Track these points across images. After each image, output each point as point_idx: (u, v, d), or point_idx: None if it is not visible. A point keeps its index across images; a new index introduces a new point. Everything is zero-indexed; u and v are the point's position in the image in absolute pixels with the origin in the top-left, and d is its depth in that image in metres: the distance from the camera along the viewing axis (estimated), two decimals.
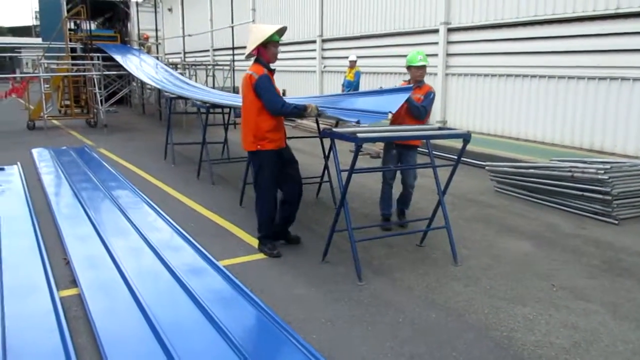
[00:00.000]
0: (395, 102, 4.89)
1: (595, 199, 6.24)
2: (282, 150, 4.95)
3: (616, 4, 8.68)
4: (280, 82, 19.36)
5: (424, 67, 5.63)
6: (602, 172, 6.10)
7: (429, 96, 5.58)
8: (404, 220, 5.95)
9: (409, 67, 5.65)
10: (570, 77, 9.56)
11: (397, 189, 6.00)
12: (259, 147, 4.78)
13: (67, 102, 15.99)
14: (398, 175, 5.94)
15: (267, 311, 3.70)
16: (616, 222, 6.06)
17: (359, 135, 4.14)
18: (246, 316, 3.72)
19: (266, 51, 4.77)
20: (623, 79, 8.74)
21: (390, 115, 5.06)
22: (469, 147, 5.03)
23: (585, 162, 6.56)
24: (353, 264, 4.45)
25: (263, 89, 4.63)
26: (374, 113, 4.69)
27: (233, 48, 17.65)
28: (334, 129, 4.65)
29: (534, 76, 10.29)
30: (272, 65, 4.87)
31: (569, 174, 6.44)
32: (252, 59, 4.89)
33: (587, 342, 3.49)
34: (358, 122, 4.48)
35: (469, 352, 3.35)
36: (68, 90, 15.78)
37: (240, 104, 5.06)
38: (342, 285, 4.30)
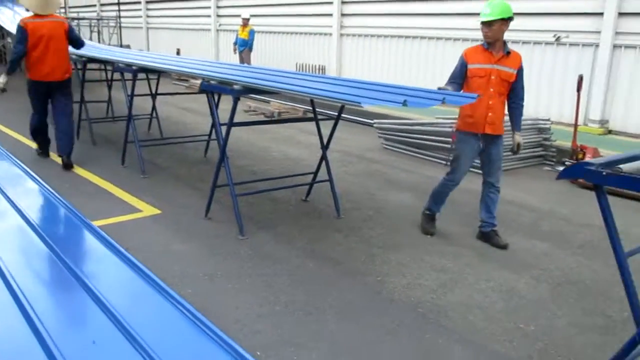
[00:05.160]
0: (456, 102, 4.24)
1: None
2: None
3: None
4: (174, 40, 18.38)
5: (492, 23, 4.14)
6: None
7: (523, 70, 4.40)
8: (502, 243, 4.35)
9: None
10: (456, 39, 9.95)
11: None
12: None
13: None
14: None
15: (139, 267, 3.54)
16: None
17: (235, 87, 4.02)
18: (115, 272, 3.54)
19: None
20: (513, 42, 9.22)
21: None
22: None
23: None
24: (236, 219, 4.39)
25: (74, 31, 6.42)
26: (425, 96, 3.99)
27: (119, 3, 16.55)
28: (212, 82, 4.47)
29: (422, 37, 10.62)
30: None
31: (451, 129, 6.73)
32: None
33: (453, 282, 3.71)
34: (405, 104, 3.56)
35: (343, 297, 3.43)
36: None
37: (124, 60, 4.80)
38: (223, 241, 4.24)
